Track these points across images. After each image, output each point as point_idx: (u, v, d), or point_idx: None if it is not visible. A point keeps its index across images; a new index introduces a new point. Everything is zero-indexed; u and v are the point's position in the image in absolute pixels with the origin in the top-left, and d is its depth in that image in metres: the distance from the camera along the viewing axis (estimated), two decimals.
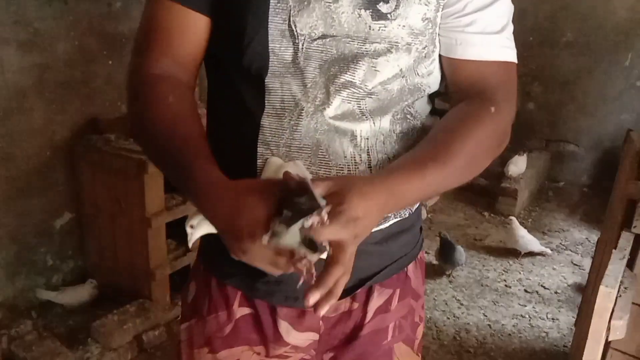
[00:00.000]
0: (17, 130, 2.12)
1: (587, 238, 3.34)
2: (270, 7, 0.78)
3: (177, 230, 2.29)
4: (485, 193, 3.60)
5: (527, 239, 2.98)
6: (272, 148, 0.84)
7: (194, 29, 0.84)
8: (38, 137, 2.19)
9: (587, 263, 3.00)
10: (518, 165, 3.50)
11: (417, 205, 0.99)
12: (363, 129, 0.83)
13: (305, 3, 0.78)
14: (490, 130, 0.83)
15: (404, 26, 0.80)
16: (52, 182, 2.28)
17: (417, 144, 0.84)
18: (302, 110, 0.82)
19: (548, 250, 3.08)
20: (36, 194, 2.23)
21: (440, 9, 0.83)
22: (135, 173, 2.10)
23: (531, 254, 3.04)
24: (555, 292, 2.78)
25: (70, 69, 2.24)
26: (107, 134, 2.27)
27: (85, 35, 2.27)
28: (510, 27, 0.86)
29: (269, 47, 0.80)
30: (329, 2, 0.79)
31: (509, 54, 0.86)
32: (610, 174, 2.47)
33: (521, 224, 3.23)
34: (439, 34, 0.85)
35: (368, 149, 0.84)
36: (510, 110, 0.87)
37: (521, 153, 3.52)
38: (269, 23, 0.79)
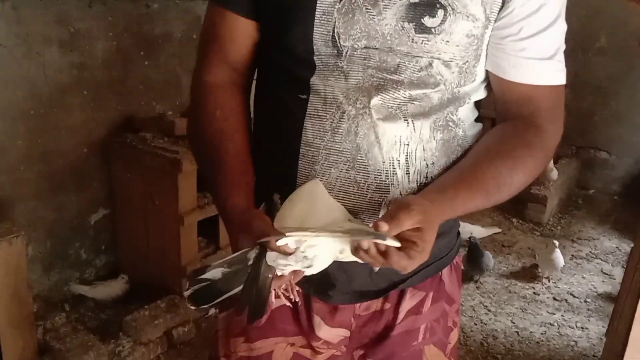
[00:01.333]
0: (55, 127, 2.17)
1: (617, 247, 3.28)
2: (316, 18, 0.81)
3: (207, 229, 2.33)
4: (514, 199, 3.48)
5: (560, 262, 2.83)
6: (313, 150, 0.86)
7: (244, 34, 0.90)
8: (76, 135, 2.25)
9: (617, 272, 2.95)
10: (554, 170, 3.45)
11: None
12: (403, 134, 0.84)
13: (350, 15, 0.80)
14: (539, 157, 0.87)
15: (447, 41, 0.81)
16: (88, 179, 2.34)
17: (462, 159, 0.87)
18: (344, 113, 0.84)
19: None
20: (72, 190, 2.29)
21: (490, 27, 0.83)
22: (169, 171, 2.14)
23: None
24: (585, 301, 2.74)
25: (108, 69, 2.29)
26: (143, 132, 2.31)
27: (123, 36, 2.32)
28: (562, 48, 0.88)
29: (314, 54, 0.83)
30: (373, 14, 0.80)
31: (560, 77, 0.88)
32: None
33: (550, 231, 3.20)
34: (488, 52, 0.86)
35: (407, 155, 0.85)
36: (558, 133, 0.90)
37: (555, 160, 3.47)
38: (314, 34, 0.82)
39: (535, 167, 0.87)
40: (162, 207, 2.21)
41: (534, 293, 2.77)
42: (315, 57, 0.83)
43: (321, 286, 0.93)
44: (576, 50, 3.87)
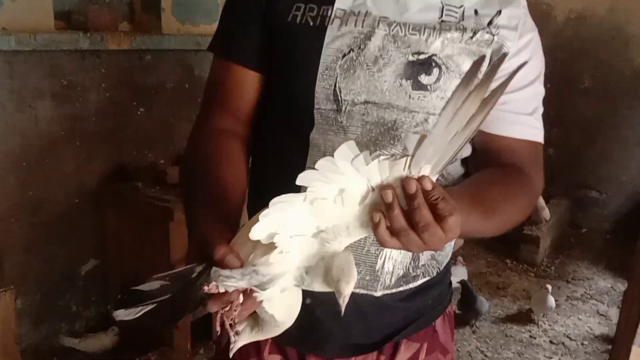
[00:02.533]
0: (47, 178, 2.18)
1: (612, 287, 3.28)
2: (319, 73, 0.84)
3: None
4: (507, 240, 3.57)
5: (552, 305, 2.82)
6: None
7: (250, 86, 0.92)
8: (67, 185, 2.25)
9: (613, 313, 2.93)
10: (546, 209, 3.47)
11: (447, 261, 1.01)
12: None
13: (351, 71, 0.84)
14: (527, 194, 0.88)
15: (442, 98, 0.85)
16: (79, 229, 2.32)
17: (456, 188, 0.86)
18: None
19: None
20: (63, 240, 2.27)
21: None
22: (160, 220, 2.13)
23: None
24: (582, 344, 2.71)
25: (101, 119, 2.32)
26: (135, 181, 2.32)
27: (116, 87, 2.35)
28: (540, 110, 0.91)
29: (315, 107, 0.85)
30: (373, 71, 0.83)
31: (538, 134, 0.91)
32: (634, 220, 2.44)
33: (544, 271, 3.20)
34: None
35: None
36: (541, 182, 0.92)
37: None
38: (316, 87, 0.84)
39: (525, 204, 0.88)
40: (153, 257, 2.19)
41: (531, 336, 2.74)
42: (315, 111, 0.86)
43: (316, 340, 0.93)
44: (562, 90, 3.95)
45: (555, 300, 2.91)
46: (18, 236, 2.12)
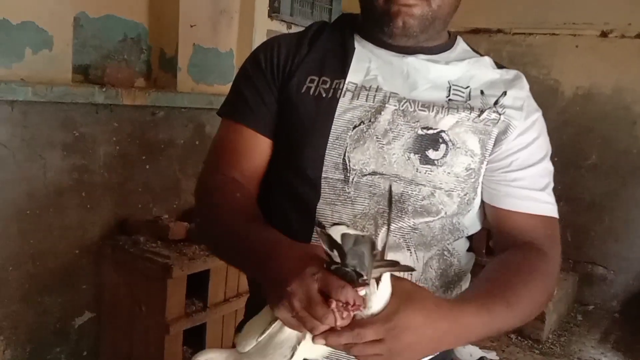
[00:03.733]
0: (49, 228, 2.17)
1: None
2: (329, 142, 0.86)
3: (194, 338, 2.25)
4: None
5: None
6: None
7: (258, 149, 0.93)
8: (69, 235, 2.24)
9: None
10: None
11: None
12: (406, 262, 0.86)
13: (361, 142, 0.86)
14: (547, 278, 0.88)
15: (449, 173, 0.86)
16: (77, 281, 2.29)
17: (477, 280, 0.87)
18: None
19: None
20: (59, 292, 2.24)
21: (485, 162, 0.89)
22: (159, 276, 2.10)
23: None
24: None
25: (108, 172, 2.33)
26: (136, 235, 2.31)
27: (127, 141, 2.38)
28: (551, 186, 0.93)
29: (322, 176, 0.86)
30: (383, 144, 0.86)
31: (552, 209, 0.92)
32: None
33: (549, 349, 3.09)
34: (483, 184, 0.91)
35: None
36: (559, 259, 0.92)
37: None
38: (326, 156, 0.86)
39: (546, 288, 0.88)
40: (149, 314, 2.15)
41: None
42: (322, 180, 0.86)
43: None
44: (568, 166, 3.97)
45: None
46: (14, 286, 2.09)
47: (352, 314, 0.64)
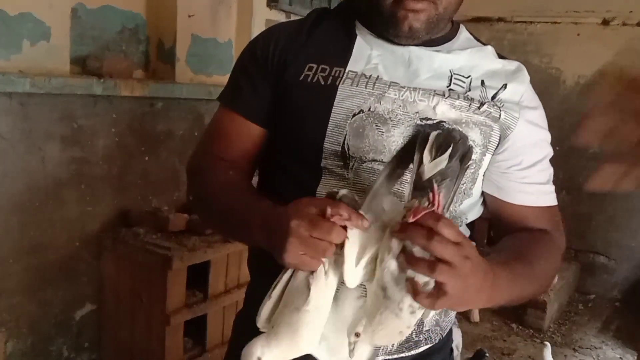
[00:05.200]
0: (50, 220, 2.17)
1: (621, 357, 3.17)
2: (328, 129, 0.86)
3: (194, 329, 2.26)
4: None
5: None
6: None
7: (249, 136, 0.95)
8: (69, 228, 2.24)
9: None
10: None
11: (449, 327, 0.98)
12: None
13: (360, 130, 0.85)
14: (557, 251, 0.93)
15: None
16: (78, 273, 2.30)
17: (493, 250, 0.90)
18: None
19: None
20: (61, 284, 2.24)
21: (487, 155, 0.89)
22: (159, 268, 2.11)
23: None
24: None
25: (108, 164, 2.33)
26: (136, 227, 2.31)
27: (125, 133, 2.37)
28: (552, 171, 0.96)
29: (321, 163, 0.86)
30: (382, 131, 0.85)
31: (554, 198, 0.96)
32: None
33: (550, 338, 3.10)
34: (491, 178, 0.93)
35: None
36: (563, 242, 0.96)
37: None
38: (324, 144, 0.86)
39: (557, 259, 0.93)
40: (150, 305, 2.16)
41: None
42: (322, 166, 0.87)
43: None
44: (570, 155, 3.95)
45: None
46: (15, 278, 2.09)
47: (354, 221, 0.67)
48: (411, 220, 0.64)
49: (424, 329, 0.91)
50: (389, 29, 0.87)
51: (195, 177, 0.97)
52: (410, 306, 0.66)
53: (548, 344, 2.71)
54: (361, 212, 0.69)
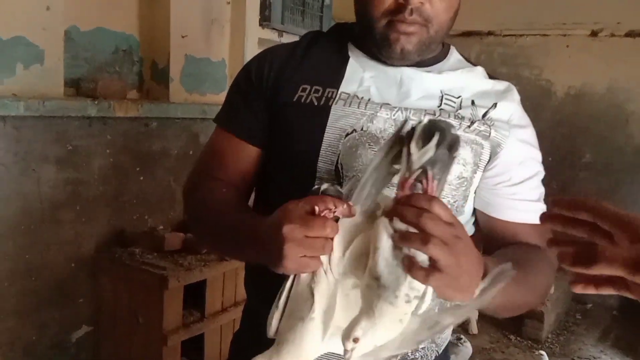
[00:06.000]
0: (45, 242, 2.17)
1: None
2: (322, 149, 0.87)
3: (192, 349, 2.25)
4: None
5: None
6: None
7: (245, 156, 0.96)
8: (64, 249, 2.23)
9: None
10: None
11: (445, 344, 0.99)
12: None
13: (353, 149, 0.87)
14: (551, 264, 0.91)
15: None
16: (74, 294, 2.29)
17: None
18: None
19: None
20: (56, 306, 2.23)
21: (478, 172, 0.91)
22: (155, 288, 2.10)
23: None
24: None
25: (103, 184, 2.33)
26: (132, 247, 2.31)
27: (121, 153, 2.38)
28: (543, 190, 0.96)
29: (316, 179, 0.88)
30: (375, 150, 0.86)
31: None
32: None
33: (549, 349, 3.09)
34: (481, 194, 0.93)
35: None
36: (556, 261, 0.93)
37: None
38: (318, 163, 0.87)
39: (551, 270, 0.91)
40: (147, 325, 2.15)
41: None
42: (315, 185, 0.87)
43: None
44: (563, 166, 3.98)
45: None
46: (11, 301, 2.08)
47: (342, 211, 0.68)
48: (402, 194, 0.65)
49: (420, 346, 0.92)
50: (382, 51, 0.89)
51: (191, 196, 0.99)
52: (406, 295, 0.65)
53: (544, 354, 2.72)
54: (350, 202, 0.70)
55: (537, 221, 0.91)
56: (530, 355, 3.14)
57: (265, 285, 0.93)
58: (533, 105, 4.01)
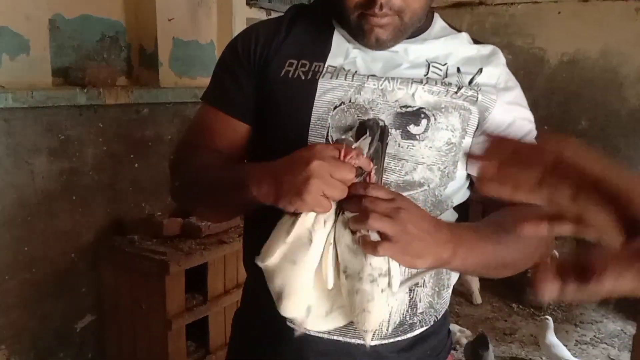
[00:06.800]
0: (43, 234, 2.16)
1: (622, 330, 3.19)
2: (311, 123, 0.87)
3: (196, 332, 2.26)
4: (513, 284, 3.50)
5: (556, 348, 2.74)
6: None
7: (234, 133, 0.96)
8: (64, 240, 2.23)
9: (625, 357, 2.85)
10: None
11: (445, 309, 0.99)
12: None
13: (343, 122, 0.87)
14: None
15: (430, 147, 0.88)
16: (76, 284, 2.29)
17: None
18: (337, 216, 0.86)
19: None
20: (59, 297, 2.24)
21: (467, 137, 0.90)
22: (156, 274, 2.10)
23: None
24: None
25: (98, 173, 2.32)
26: (131, 234, 2.30)
27: (113, 141, 2.36)
28: None
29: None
30: (364, 120, 0.86)
31: None
32: None
33: (551, 315, 3.11)
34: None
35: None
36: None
37: None
38: (309, 136, 0.88)
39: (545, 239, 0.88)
40: (150, 311, 2.15)
41: None
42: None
43: None
44: (559, 132, 3.96)
45: (565, 345, 2.82)
46: (13, 294, 2.08)
47: (363, 162, 0.74)
48: (341, 158, 0.71)
49: (418, 311, 0.92)
50: (358, 39, 0.90)
51: (179, 164, 0.99)
52: (370, 274, 0.72)
53: (550, 319, 2.74)
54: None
55: None
56: (533, 323, 3.17)
57: None
58: (526, 74, 3.98)
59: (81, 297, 2.32)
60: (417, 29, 0.93)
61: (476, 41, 0.97)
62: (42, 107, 2.07)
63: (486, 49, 0.96)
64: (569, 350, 2.79)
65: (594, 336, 3.12)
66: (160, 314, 2.12)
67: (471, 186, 0.97)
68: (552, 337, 2.75)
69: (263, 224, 0.93)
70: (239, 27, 2.89)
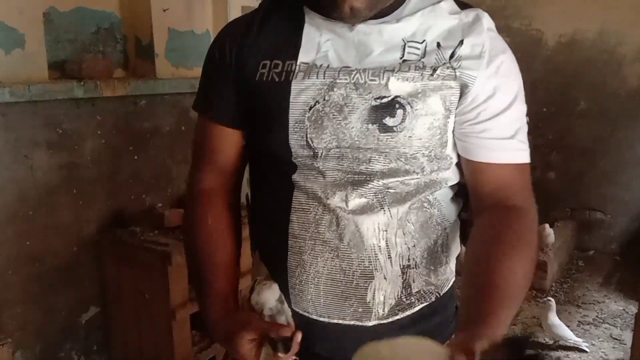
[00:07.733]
0: (44, 228, 2.16)
1: (624, 309, 3.21)
2: (290, 126, 0.88)
3: (201, 321, 2.27)
4: None
5: (559, 329, 2.76)
6: (300, 241, 0.91)
7: (231, 143, 0.99)
8: (65, 234, 2.23)
9: (627, 336, 2.86)
10: (551, 234, 3.44)
11: (449, 285, 1.00)
12: (381, 221, 0.88)
13: (319, 122, 0.87)
14: (532, 241, 0.88)
15: (410, 137, 0.86)
16: (79, 277, 2.30)
17: (471, 267, 0.85)
18: (325, 206, 0.89)
19: (583, 345, 2.78)
20: (63, 290, 2.25)
21: (452, 116, 0.88)
22: (159, 265, 2.11)
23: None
24: None
25: (97, 166, 2.32)
26: (132, 226, 2.31)
27: (112, 133, 2.36)
28: (524, 129, 0.91)
29: (292, 154, 0.89)
30: (339, 120, 0.86)
31: (524, 155, 0.90)
32: None
33: (553, 296, 3.13)
34: (456, 138, 0.90)
35: (387, 240, 0.89)
36: (535, 211, 0.91)
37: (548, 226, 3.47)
38: (290, 140, 0.88)
39: (534, 250, 0.88)
40: (153, 302, 2.17)
41: None
42: (293, 159, 0.90)
43: None
44: (559, 114, 3.96)
45: (567, 326, 2.84)
46: (16, 288, 2.09)
47: None
48: None
49: (413, 291, 0.92)
50: (331, 12, 0.85)
51: (186, 211, 1.05)
52: None
53: (552, 301, 2.75)
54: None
55: (516, 160, 0.89)
56: (535, 304, 3.18)
57: (270, 251, 0.98)
58: (524, 56, 3.96)
59: (85, 289, 2.33)
60: (389, 8, 0.87)
61: (464, 5, 0.90)
62: (39, 101, 2.06)
63: (469, 16, 0.88)
64: (571, 330, 2.81)
65: (597, 316, 3.13)
66: (164, 305, 2.13)
67: (458, 166, 0.93)
68: (554, 319, 2.76)
69: (265, 212, 0.97)
70: (234, 15, 2.87)
